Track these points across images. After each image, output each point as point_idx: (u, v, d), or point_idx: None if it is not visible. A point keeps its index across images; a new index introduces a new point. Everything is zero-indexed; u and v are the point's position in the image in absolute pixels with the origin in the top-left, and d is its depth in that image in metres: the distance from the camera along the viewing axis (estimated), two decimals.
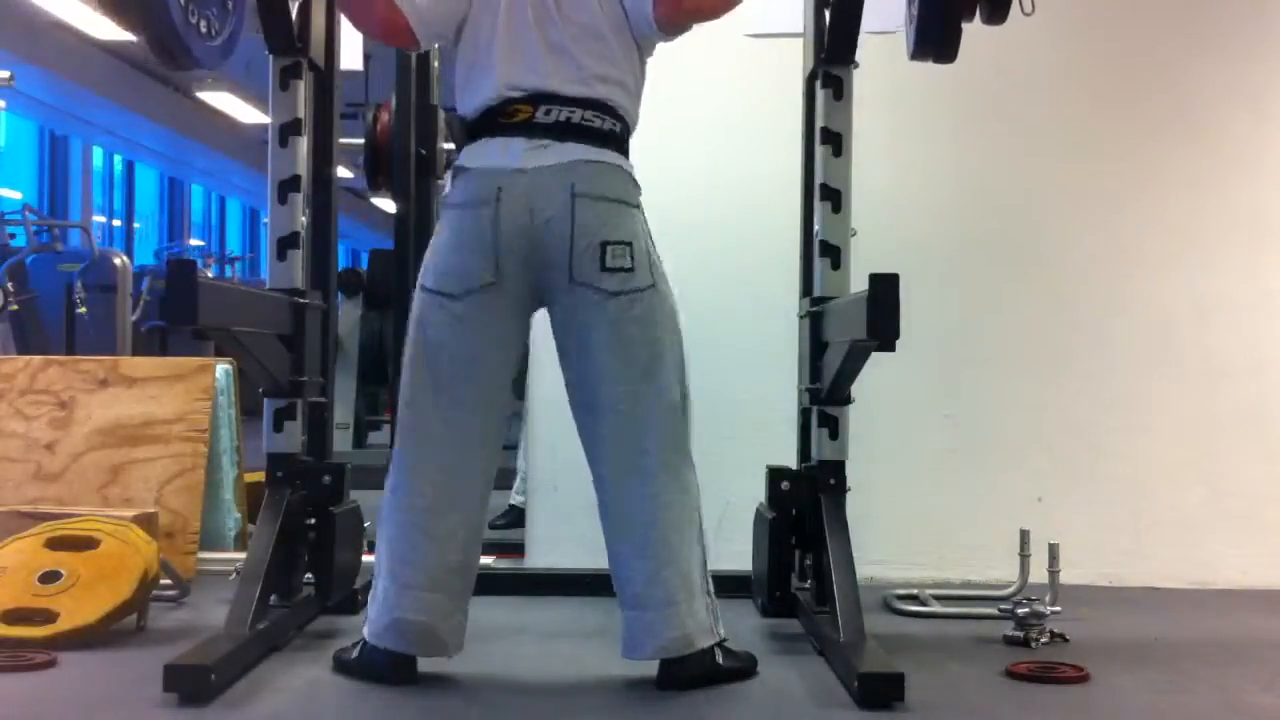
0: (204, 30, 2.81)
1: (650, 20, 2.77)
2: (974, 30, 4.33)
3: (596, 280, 2.70)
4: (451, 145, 4.88)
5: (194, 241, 19.64)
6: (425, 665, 2.87)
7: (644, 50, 2.87)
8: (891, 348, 2.66)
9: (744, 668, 2.89)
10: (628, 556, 2.79)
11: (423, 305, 2.78)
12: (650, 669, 2.82)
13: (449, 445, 2.77)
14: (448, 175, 2.89)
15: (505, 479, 4.43)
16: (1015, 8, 2.88)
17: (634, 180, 2.82)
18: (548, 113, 2.72)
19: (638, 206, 2.82)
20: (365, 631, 2.84)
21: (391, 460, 2.83)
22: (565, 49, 2.76)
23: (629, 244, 2.72)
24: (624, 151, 2.83)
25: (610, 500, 2.80)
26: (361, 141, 5.06)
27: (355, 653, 2.86)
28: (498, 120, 2.75)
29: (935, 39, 2.77)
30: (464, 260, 2.72)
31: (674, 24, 2.82)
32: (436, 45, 3.01)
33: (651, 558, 2.76)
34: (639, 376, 2.74)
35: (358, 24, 3.05)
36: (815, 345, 3.40)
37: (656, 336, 2.76)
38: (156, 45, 2.73)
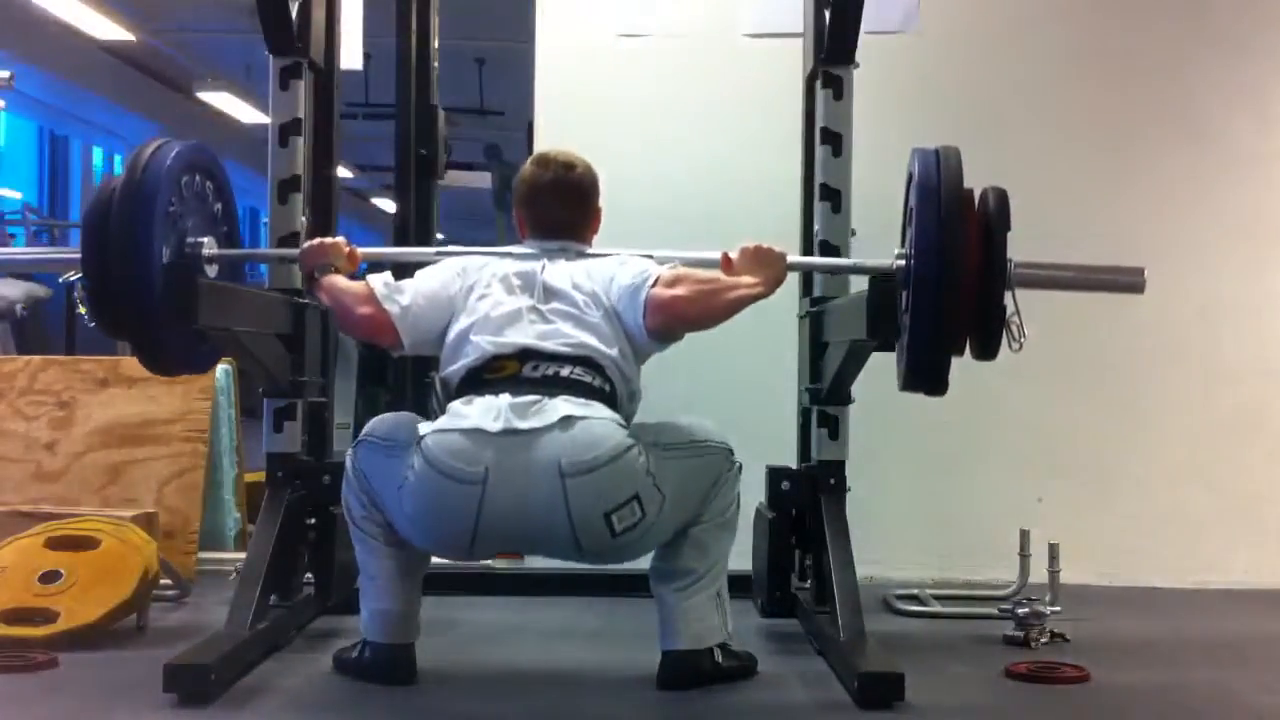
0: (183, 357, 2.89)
1: (642, 330, 2.74)
2: (975, 30, 4.34)
3: (610, 545, 2.63)
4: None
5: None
6: (425, 665, 2.87)
7: (639, 355, 2.81)
8: (891, 348, 2.66)
9: (745, 666, 2.89)
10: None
11: (362, 522, 2.82)
12: (650, 668, 2.82)
13: None
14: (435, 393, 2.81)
15: None
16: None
17: (621, 420, 2.68)
18: (535, 367, 2.66)
19: (633, 445, 2.62)
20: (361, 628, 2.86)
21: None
22: (554, 322, 2.73)
23: (634, 498, 2.59)
24: (616, 409, 2.69)
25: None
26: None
27: (355, 652, 2.86)
28: (483, 376, 2.67)
29: (926, 377, 2.64)
30: (440, 526, 2.63)
31: (665, 333, 2.78)
32: (415, 350, 2.91)
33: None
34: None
35: (340, 319, 2.97)
36: (815, 345, 3.40)
37: (700, 484, 2.85)
38: (145, 361, 2.86)
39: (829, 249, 3.36)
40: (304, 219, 3.35)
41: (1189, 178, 4.25)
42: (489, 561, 4.17)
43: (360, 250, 3.00)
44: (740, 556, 3.65)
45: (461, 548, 2.64)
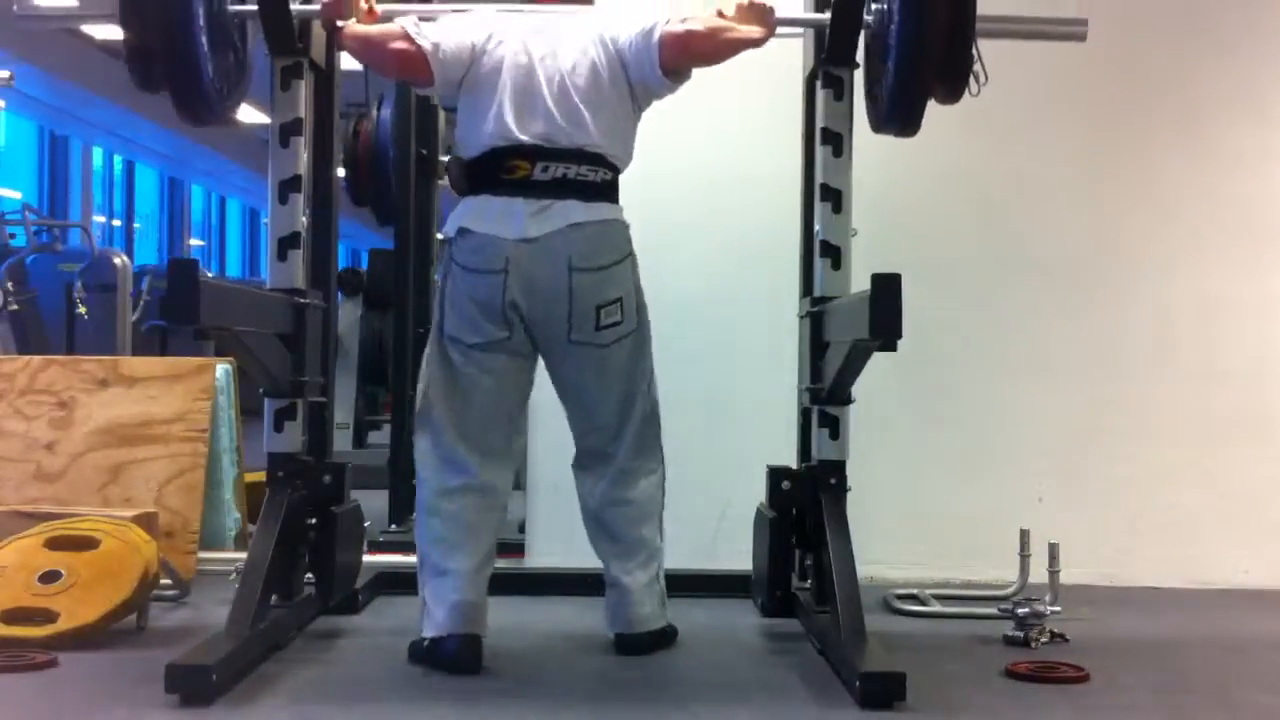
0: (221, 91, 3.09)
1: (657, 68, 2.99)
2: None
3: (593, 338, 3.01)
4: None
5: (195, 242, 19.63)
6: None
7: (640, 103, 3.09)
8: (893, 348, 2.66)
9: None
10: (611, 549, 3.18)
11: (445, 348, 3.04)
12: (650, 668, 2.82)
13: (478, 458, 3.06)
14: (451, 219, 3.04)
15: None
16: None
17: (625, 226, 3.07)
18: (545, 169, 2.93)
19: (629, 255, 3.06)
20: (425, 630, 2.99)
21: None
22: (564, 98, 2.96)
23: (619, 300, 3.02)
24: (616, 198, 3.05)
25: (599, 497, 3.18)
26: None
27: (429, 644, 2.97)
28: (499, 176, 2.95)
29: (902, 116, 3.07)
30: (478, 319, 2.97)
31: (678, 69, 3.02)
32: (440, 90, 3.16)
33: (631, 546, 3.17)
34: (621, 402, 3.14)
35: (374, 59, 3.16)
36: (816, 345, 3.40)
37: (639, 369, 3.14)
38: (184, 105, 3.05)
39: (829, 249, 3.36)
40: (304, 219, 3.35)
41: (1188, 177, 4.25)
42: None
43: (378, 5, 3.13)
44: (740, 556, 3.67)
45: (496, 318, 2.95)
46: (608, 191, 3.02)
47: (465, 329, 2.99)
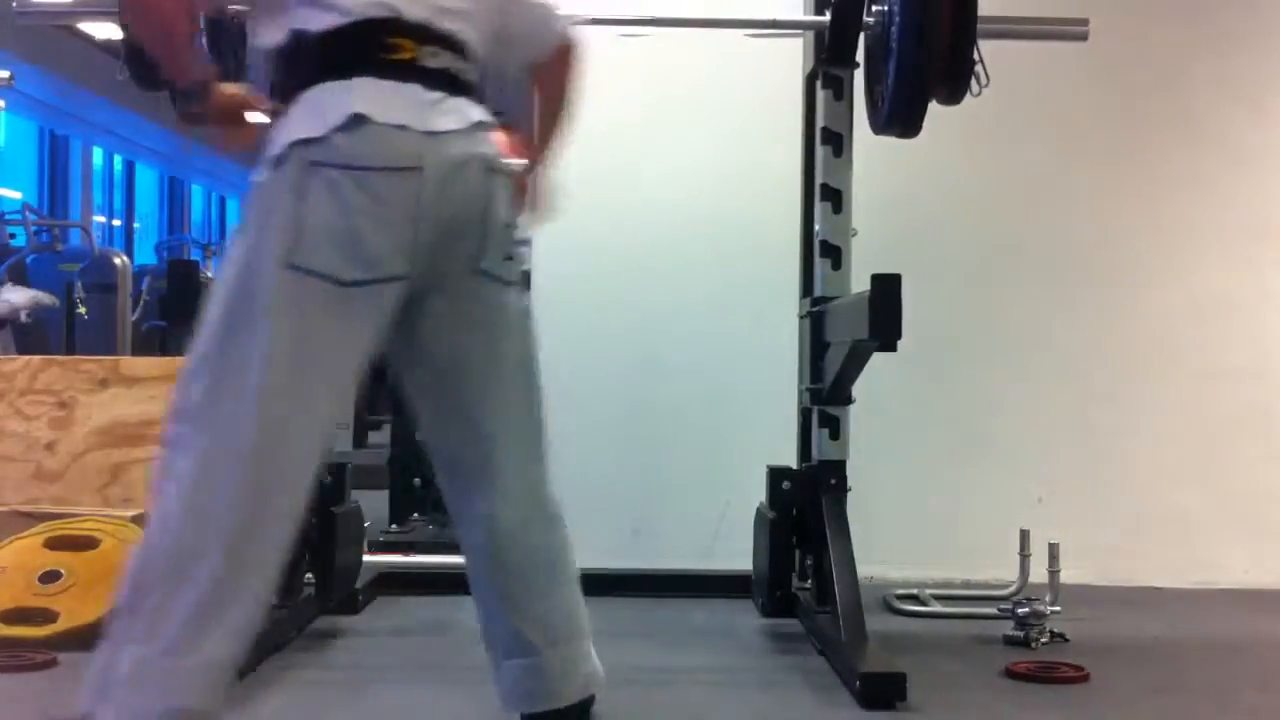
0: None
1: (523, 65, 2.34)
2: None
3: (501, 271, 2.18)
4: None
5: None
6: (423, 663, 2.87)
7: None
8: (893, 348, 2.66)
9: None
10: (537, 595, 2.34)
11: (290, 290, 1.97)
12: (650, 668, 2.82)
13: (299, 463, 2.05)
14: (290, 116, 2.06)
15: None
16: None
17: None
18: (434, 54, 2.13)
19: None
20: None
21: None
22: None
23: (516, 224, 2.22)
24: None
25: (507, 534, 2.24)
26: None
27: None
28: (376, 55, 2.09)
29: (904, 118, 3.04)
30: (365, 241, 2.00)
31: (532, 84, 2.39)
32: None
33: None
34: (536, 394, 2.33)
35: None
36: (816, 345, 3.40)
37: (533, 339, 2.36)
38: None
39: (829, 249, 3.36)
40: None
41: (1187, 176, 4.25)
42: None
43: None
44: (740, 556, 3.67)
45: (398, 241, 2.03)
46: (482, 98, 2.22)
47: (338, 257, 1.98)
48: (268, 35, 2.13)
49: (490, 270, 2.16)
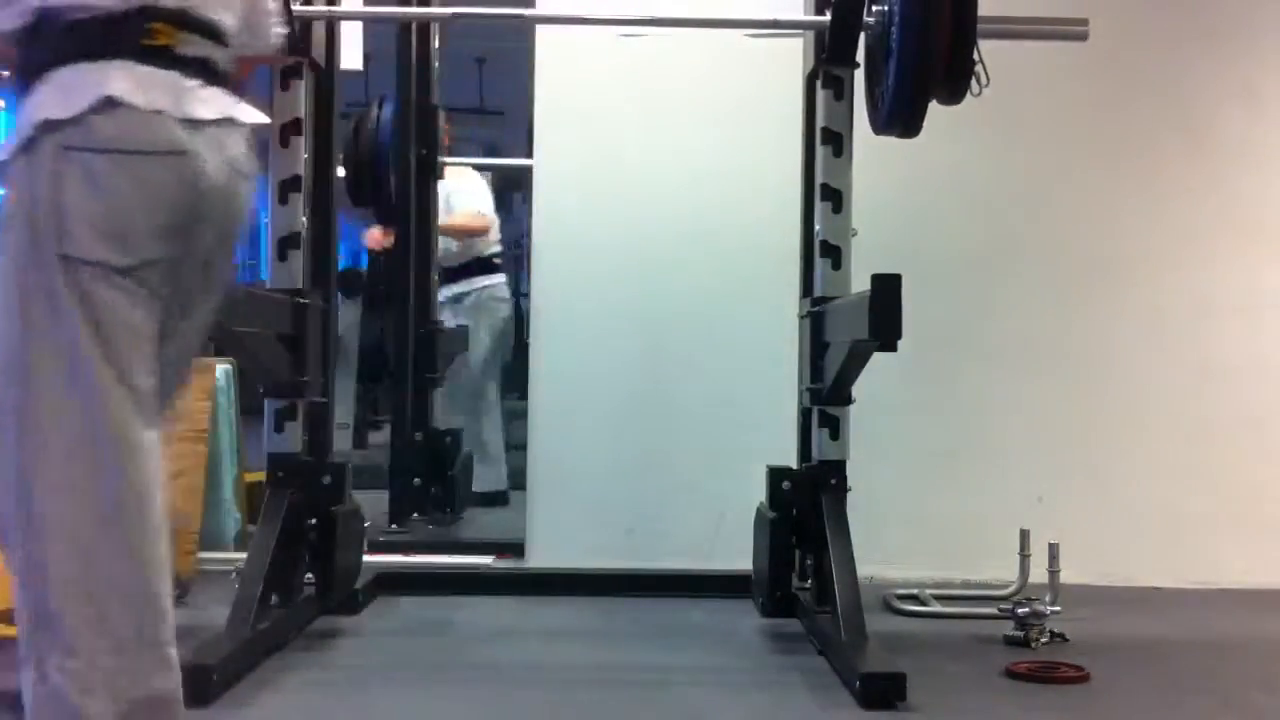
0: None
1: (266, 44, 2.31)
2: None
3: (223, 269, 2.16)
4: None
5: None
6: (423, 663, 2.87)
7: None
8: (893, 348, 2.66)
9: None
10: None
11: (72, 279, 1.89)
12: (649, 667, 2.82)
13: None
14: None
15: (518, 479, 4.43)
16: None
17: None
18: (193, 43, 2.06)
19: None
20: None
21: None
22: None
23: (244, 226, 2.18)
24: None
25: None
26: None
27: None
28: (133, 41, 2.00)
29: (905, 118, 3.04)
30: (136, 224, 1.94)
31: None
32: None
33: None
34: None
35: None
36: (816, 345, 3.40)
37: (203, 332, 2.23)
38: None
39: (829, 249, 3.36)
40: (304, 219, 3.35)
41: (1186, 176, 4.25)
42: (488, 561, 4.18)
43: None
44: (740, 556, 3.67)
45: (169, 225, 1.97)
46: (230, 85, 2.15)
47: (104, 244, 1.90)
48: (10, 14, 2.00)
49: (215, 265, 2.12)
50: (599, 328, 4.15)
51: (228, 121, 2.07)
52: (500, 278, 5.82)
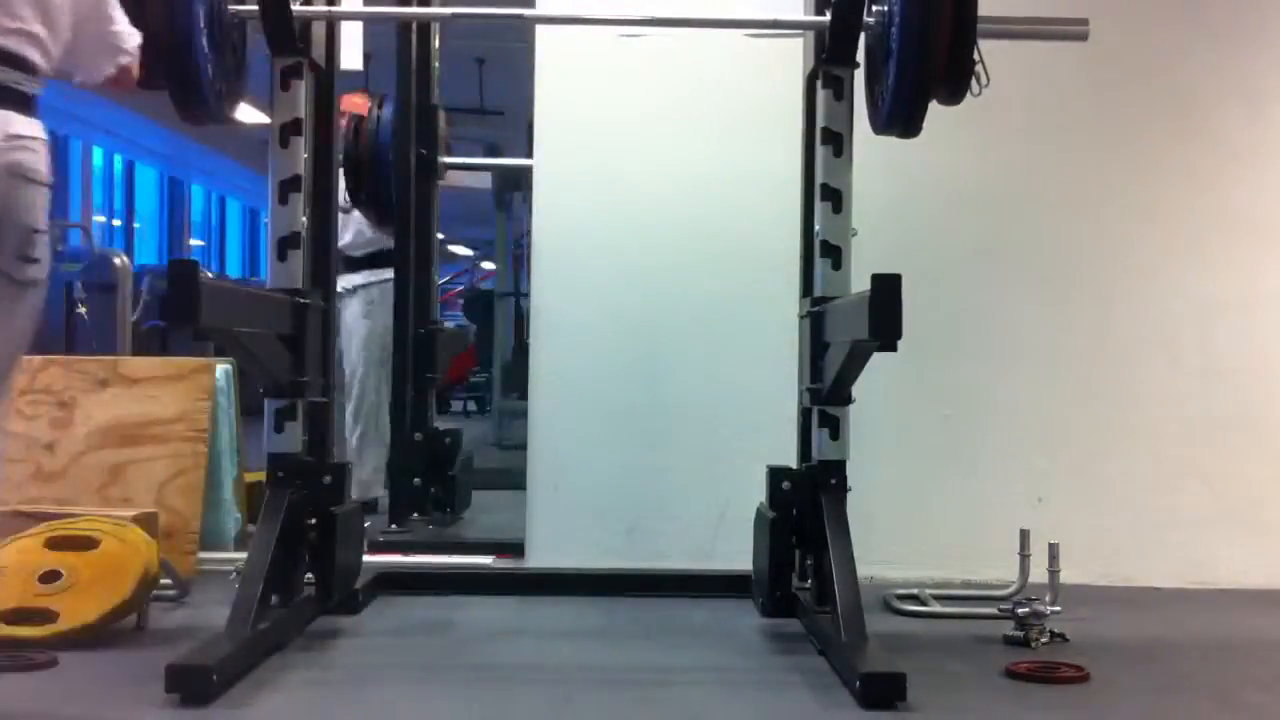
0: (220, 90, 3.06)
1: (96, 82, 2.74)
2: None
3: (15, 270, 2.49)
4: None
5: (195, 242, 19.67)
6: (423, 663, 2.87)
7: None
8: (893, 348, 2.66)
9: None
10: None
11: None
12: (649, 666, 2.82)
13: None
14: None
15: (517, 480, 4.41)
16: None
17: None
18: None
19: (51, 187, 2.59)
20: None
21: None
22: None
23: (44, 233, 2.54)
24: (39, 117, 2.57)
25: None
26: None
27: None
28: None
29: (905, 118, 3.05)
30: None
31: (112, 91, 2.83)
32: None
33: None
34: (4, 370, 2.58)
35: None
36: (816, 345, 3.40)
37: (25, 329, 2.60)
38: (184, 104, 3.04)
39: (829, 249, 3.36)
40: (304, 219, 3.35)
41: (1185, 176, 4.25)
42: (488, 561, 4.19)
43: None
44: (740, 556, 3.67)
45: None
46: (38, 109, 2.54)
47: None
48: None
49: (5, 271, 2.48)
50: (599, 327, 4.15)
51: (12, 138, 2.45)
52: None
